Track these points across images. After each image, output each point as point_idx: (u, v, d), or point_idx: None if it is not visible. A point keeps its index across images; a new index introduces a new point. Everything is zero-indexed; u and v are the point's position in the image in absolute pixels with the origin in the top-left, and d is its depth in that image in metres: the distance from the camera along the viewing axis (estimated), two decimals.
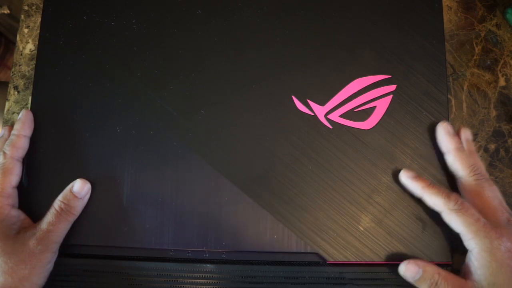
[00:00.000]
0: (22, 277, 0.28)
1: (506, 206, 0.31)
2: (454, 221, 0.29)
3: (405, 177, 0.32)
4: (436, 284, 0.28)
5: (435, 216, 0.30)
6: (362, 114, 0.33)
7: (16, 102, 0.38)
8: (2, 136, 0.34)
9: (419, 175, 0.31)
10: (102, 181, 0.32)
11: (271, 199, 0.32)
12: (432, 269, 0.29)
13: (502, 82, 0.38)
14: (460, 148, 0.32)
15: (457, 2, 0.39)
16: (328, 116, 0.33)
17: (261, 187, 0.32)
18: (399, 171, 0.32)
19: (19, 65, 0.38)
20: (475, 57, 0.38)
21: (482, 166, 0.32)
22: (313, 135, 0.33)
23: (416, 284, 0.29)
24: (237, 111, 0.33)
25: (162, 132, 0.33)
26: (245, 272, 0.31)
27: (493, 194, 0.30)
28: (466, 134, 0.33)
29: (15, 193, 0.31)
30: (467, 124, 0.37)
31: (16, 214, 0.30)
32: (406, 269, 0.30)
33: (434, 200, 0.30)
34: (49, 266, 0.30)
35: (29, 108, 0.33)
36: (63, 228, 0.30)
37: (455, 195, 0.30)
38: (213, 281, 0.31)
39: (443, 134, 0.32)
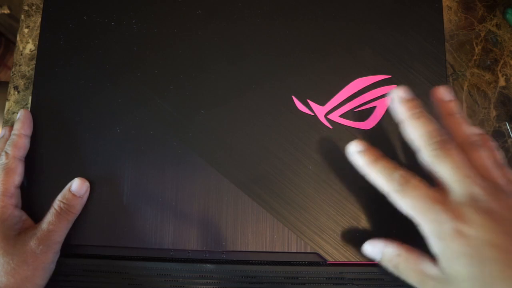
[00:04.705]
0: (24, 278, 0.28)
1: (470, 181, 0.24)
2: (399, 204, 0.25)
3: (351, 152, 0.27)
4: (396, 267, 0.26)
5: None
6: (362, 114, 0.33)
7: (16, 102, 0.38)
8: (3, 136, 0.34)
9: (369, 148, 0.27)
10: (102, 181, 0.32)
11: (271, 199, 0.32)
12: (391, 251, 0.26)
13: (502, 82, 0.38)
14: (412, 115, 0.26)
15: (457, 2, 0.39)
16: (328, 116, 0.33)
17: (261, 187, 0.32)
18: None
19: (19, 65, 0.38)
20: (475, 57, 0.38)
21: (458, 129, 0.26)
22: (313, 135, 0.33)
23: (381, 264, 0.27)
24: (237, 111, 0.33)
25: (162, 132, 0.33)
26: (245, 272, 0.31)
27: (450, 166, 0.24)
28: (440, 93, 0.28)
29: (18, 193, 0.31)
30: None
31: (19, 214, 0.30)
32: (367, 250, 0.28)
33: (377, 180, 0.26)
34: (52, 267, 0.30)
35: (29, 108, 0.33)
36: (64, 227, 0.30)
37: (399, 171, 0.25)
38: (213, 281, 0.31)
39: (393, 101, 0.27)
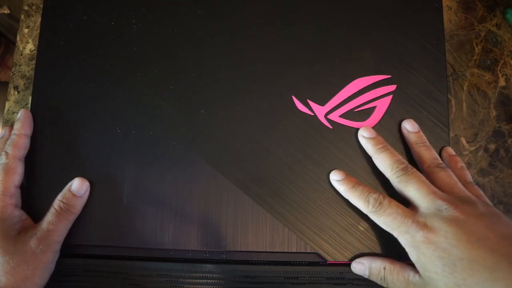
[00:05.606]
0: (24, 278, 0.28)
1: (433, 196, 0.28)
2: (378, 223, 0.29)
3: (332, 180, 0.31)
4: (384, 279, 0.29)
5: None
6: (362, 114, 0.33)
7: (16, 102, 0.38)
8: (3, 136, 0.34)
9: (347, 176, 0.31)
10: (102, 181, 0.32)
11: (271, 199, 0.32)
12: (377, 265, 0.29)
13: (502, 82, 0.38)
14: (378, 150, 0.31)
15: (457, 2, 0.39)
16: (328, 116, 0.33)
17: (261, 187, 0.32)
18: None
19: (19, 65, 0.38)
20: (475, 57, 0.38)
21: (424, 156, 0.30)
22: (313, 135, 0.33)
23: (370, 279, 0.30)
24: (237, 111, 0.33)
25: (162, 132, 0.33)
26: (245, 272, 0.31)
27: (414, 187, 0.28)
28: (407, 125, 0.32)
29: (18, 192, 0.31)
30: (467, 124, 0.37)
31: (19, 214, 0.30)
32: (354, 269, 0.30)
33: (357, 204, 0.30)
34: (51, 266, 0.30)
35: (29, 108, 0.33)
36: (64, 227, 0.30)
37: (374, 195, 0.29)
38: (213, 281, 0.31)
39: (361, 140, 0.32)
